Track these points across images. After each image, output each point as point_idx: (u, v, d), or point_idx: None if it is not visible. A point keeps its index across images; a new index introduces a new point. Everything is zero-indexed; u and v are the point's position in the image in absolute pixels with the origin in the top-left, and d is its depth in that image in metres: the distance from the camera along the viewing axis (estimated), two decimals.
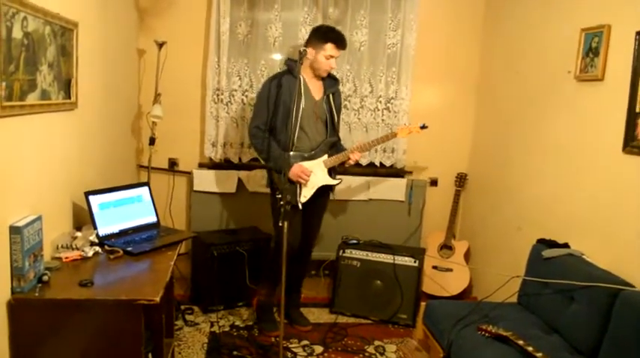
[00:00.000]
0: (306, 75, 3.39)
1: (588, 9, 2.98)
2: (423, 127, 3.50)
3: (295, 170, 3.28)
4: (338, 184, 3.53)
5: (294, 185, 3.32)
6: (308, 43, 3.36)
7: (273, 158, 3.31)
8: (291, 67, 3.36)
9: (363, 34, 4.22)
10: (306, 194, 3.35)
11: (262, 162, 3.45)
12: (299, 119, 3.30)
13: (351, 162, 3.44)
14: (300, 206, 3.32)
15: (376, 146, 3.86)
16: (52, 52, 2.30)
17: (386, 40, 4.27)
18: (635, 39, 2.54)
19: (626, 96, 2.60)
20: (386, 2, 4.21)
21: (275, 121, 3.34)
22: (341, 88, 3.89)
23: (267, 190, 3.52)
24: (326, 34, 3.31)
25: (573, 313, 2.58)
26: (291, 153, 3.29)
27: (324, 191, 3.50)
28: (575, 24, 3.04)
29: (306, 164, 3.36)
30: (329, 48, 3.29)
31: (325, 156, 3.43)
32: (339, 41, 3.32)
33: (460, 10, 4.40)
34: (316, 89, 3.43)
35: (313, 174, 3.36)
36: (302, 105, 3.31)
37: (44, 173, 2.33)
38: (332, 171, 3.48)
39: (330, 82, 3.50)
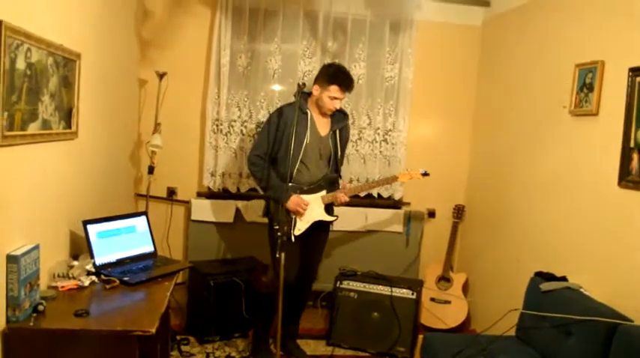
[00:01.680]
0: (312, 110, 3.39)
1: (582, 45, 3.04)
2: (425, 174, 3.51)
3: (294, 200, 3.28)
4: (334, 221, 3.52)
5: (290, 216, 3.31)
6: (316, 80, 3.36)
7: (272, 187, 3.31)
8: (297, 100, 3.38)
9: (362, 67, 4.28)
10: (300, 227, 3.33)
11: (260, 190, 3.44)
12: (301, 152, 3.30)
13: (339, 202, 3.40)
14: (292, 238, 3.27)
15: (376, 187, 3.82)
16: (55, 83, 2.34)
17: (384, 74, 4.33)
18: (629, 75, 2.59)
19: (620, 131, 2.63)
20: (384, 37, 4.29)
21: (277, 152, 3.34)
22: None
23: (265, 220, 3.51)
24: (333, 76, 3.29)
25: (571, 347, 2.55)
26: (290, 184, 3.30)
27: (323, 227, 3.50)
28: (570, 60, 3.09)
29: (305, 197, 3.36)
30: (333, 90, 3.27)
31: (324, 192, 3.43)
32: (344, 84, 3.29)
33: (456, 45, 4.48)
34: (322, 125, 3.42)
35: (310, 209, 3.36)
36: (306, 140, 3.31)
37: (42, 202, 2.34)
38: (329, 208, 3.48)
39: (339, 117, 3.47)
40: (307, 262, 3.49)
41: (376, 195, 4.45)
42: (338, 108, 3.38)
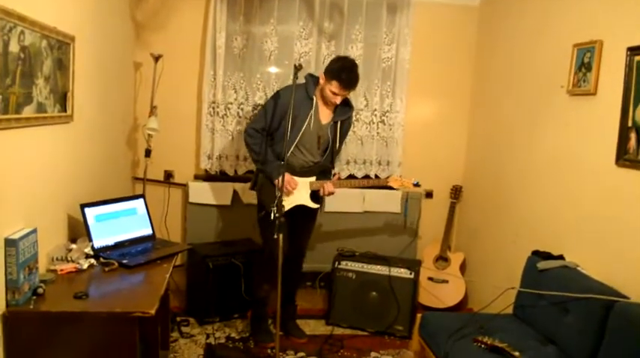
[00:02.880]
0: (318, 97, 3.38)
1: (580, 24, 3.02)
2: (416, 185, 3.51)
3: (285, 178, 3.27)
4: (317, 208, 3.50)
5: (276, 194, 3.29)
6: (324, 70, 3.35)
7: (265, 161, 3.33)
8: (307, 83, 3.36)
9: (359, 49, 4.24)
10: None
11: (254, 162, 3.45)
12: (298, 136, 3.30)
13: (326, 191, 3.37)
14: (272, 216, 3.17)
15: (361, 187, 3.79)
16: (49, 66, 2.32)
17: (381, 54, 4.30)
18: (627, 54, 2.57)
19: (618, 111, 2.62)
20: (381, 17, 4.25)
21: (276, 131, 3.33)
22: None
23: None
24: (335, 72, 3.26)
25: (569, 324, 2.58)
26: (281, 163, 3.30)
27: (309, 214, 3.50)
28: (568, 39, 3.07)
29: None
30: (334, 85, 3.24)
31: (313, 178, 3.43)
32: (344, 83, 3.24)
33: (454, 25, 4.44)
34: (326, 113, 3.41)
35: (297, 191, 3.36)
36: (306, 124, 3.31)
37: (40, 185, 2.33)
38: (315, 195, 3.47)
39: (343, 108, 3.45)
40: (294, 246, 3.50)
41: (374, 176, 4.43)
42: (338, 103, 3.34)
